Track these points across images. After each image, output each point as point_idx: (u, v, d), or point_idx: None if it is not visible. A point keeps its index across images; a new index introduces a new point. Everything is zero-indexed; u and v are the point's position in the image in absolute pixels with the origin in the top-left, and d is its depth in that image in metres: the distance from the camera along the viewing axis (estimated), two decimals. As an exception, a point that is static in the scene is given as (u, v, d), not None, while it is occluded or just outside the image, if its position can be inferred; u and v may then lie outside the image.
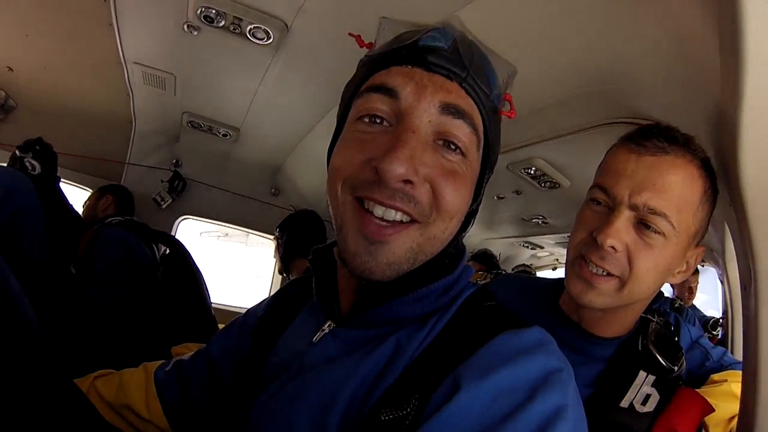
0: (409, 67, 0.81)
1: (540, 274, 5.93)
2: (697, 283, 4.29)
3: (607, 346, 1.24)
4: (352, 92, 0.89)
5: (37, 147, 2.71)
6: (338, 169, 0.81)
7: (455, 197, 0.80)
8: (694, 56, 1.36)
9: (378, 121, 0.80)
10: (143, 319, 2.82)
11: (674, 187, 1.08)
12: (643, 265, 1.10)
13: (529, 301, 1.39)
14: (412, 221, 0.78)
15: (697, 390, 1.19)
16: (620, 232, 1.09)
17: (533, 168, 2.84)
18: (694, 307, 4.28)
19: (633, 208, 1.09)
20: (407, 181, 0.75)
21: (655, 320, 1.28)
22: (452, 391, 0.66)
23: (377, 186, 0.75)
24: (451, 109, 0.79)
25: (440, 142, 0.80)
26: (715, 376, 1.44)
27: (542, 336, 0.77)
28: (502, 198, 3.50)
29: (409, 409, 0.69)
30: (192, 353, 1.24)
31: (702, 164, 1.12)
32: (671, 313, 1.47)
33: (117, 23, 2.32)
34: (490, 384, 0.65)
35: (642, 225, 1.10)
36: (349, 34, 0.99)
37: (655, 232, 1.09)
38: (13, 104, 3.45)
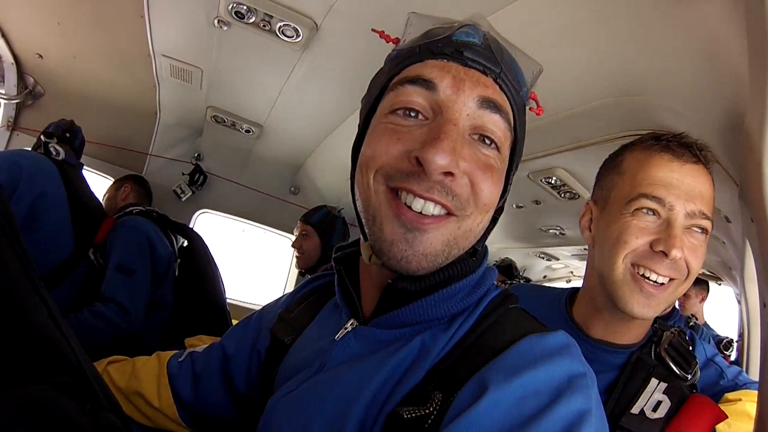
0: (445, 60, 0.81)
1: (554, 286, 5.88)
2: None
3: (620, 354, 1.26)
4: (381, 86, 0.87)
5: (67, 134, 2.75)
6: (371, 159, 0.79)
7: (492, 191, 0.80)
8: (720, 70, 1.35)
9: (413, 114, 0.79)
10: (158, 309, 2.85)
11: (708, 192, 1.20)
12: (697, 265, 1.20)
13: (542, 310, 1.39)
14: (449, 214, 0.77)
15: None
16: (683, 241, 1.17)
17: (554, 178, 2.82)
18: (707, 325, 4.25)
19: (690, 215, 1.17)
20: (448, 174, 0.75)
21: (670, 329, 1.29)
22: (479, 392, 0.66)
23: (416, 177, 0.75)
24: (489, 104, 0.79)
25: (476, 137, 0.80)
26: (730, 395, 1.42)
27: (567, 340, 0.77)
28: (521, 207, 3.48)
29: (431, 408, 0.69)
30: (206, 346, 1.24)
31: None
32: (687, 331, 1.46)
33: (148, 15, 2.35)
34: (515, 386, 0.66)
35: (692, 228, 1.19)
36: (373, 30, 0.99)
37: (704, 233, 1.20)
38: (41, 91, 3.50)
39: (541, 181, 2.88)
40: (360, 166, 0.83)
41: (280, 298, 1.26)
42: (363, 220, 0.83)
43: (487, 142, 0.80)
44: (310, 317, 1.10)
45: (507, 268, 4.80)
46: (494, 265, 4.61)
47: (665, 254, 1.16)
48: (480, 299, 0.87)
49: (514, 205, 3.48)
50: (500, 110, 0.80)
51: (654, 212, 1.20)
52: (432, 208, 0.75)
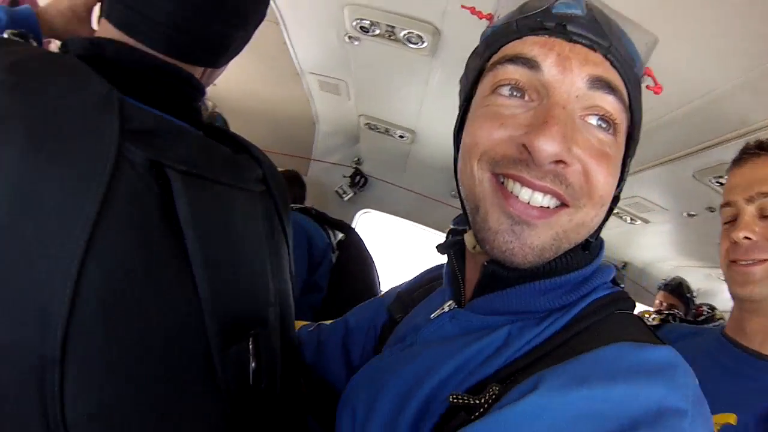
0: (546, 36, 0.72)
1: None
2: None
3: None
4: (478, 68, 0.80)
5: None
6: (473, 145, 0.73)
7: (607, 181, 0.71)
8: None
9: (517, 94, 0.71)
10: (313, 291, 3.10)
11: None
12: None
13: (695, 344, 1.36)
14: (562, 205, 0.70)
15: None
16: (749, 224, 1.21)
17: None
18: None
19: (750, 201, 1.22)
20: (559, 162, 0.67)
21: None
22: (525, 391, 0.56)
23: (524, 165, 0.67)
24: (601, 83, 0.70)
25: (592, 120, 0.71)
26: None
27: (672, 359, 0.59)
28: (694, 216, 2.99)
29: (483, 400, 0.60)
30: (334, 321, 1.32)
31: None
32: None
33: (289, 40, 2.50)
34: (573, 398, 0.53)
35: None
36: (463, 6, 0.90)
37: None
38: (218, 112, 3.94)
39: (710, 181, 2.50)
40: (462, 155, 0.78)
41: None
42: (467, 210, 0.78)
43: (603, 125, 0.71)
44: (422, 298, 1.08)
45: (676, 288, 3.88)
46: (662, 283, 4.02)
47: None
48: (582, 297, 0.75)
49: (685, 214, 3.01)
50: (614, 90, 0.71)
51: (732, 216, 1.28)
52: (541, 199, 0.68)
